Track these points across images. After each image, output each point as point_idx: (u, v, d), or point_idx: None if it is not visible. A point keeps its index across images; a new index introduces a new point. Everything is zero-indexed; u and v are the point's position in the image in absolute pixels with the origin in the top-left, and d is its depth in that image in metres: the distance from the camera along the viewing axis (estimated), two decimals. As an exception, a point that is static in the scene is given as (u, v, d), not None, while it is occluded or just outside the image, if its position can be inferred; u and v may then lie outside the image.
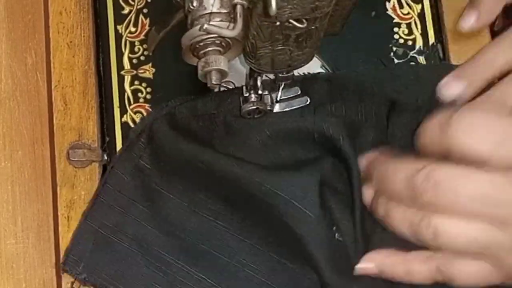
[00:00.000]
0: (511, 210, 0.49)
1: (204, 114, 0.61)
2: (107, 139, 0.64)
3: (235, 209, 0.59)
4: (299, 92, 0.62)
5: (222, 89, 0.63)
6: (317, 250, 0.56)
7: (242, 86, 0.61)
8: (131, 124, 0.64)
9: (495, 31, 0.75)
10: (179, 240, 0.59)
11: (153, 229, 0.59)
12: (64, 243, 0.61)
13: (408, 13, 0.66)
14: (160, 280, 0.59)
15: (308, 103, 0.62)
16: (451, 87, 0.57)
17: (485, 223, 0.50)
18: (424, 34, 0.66)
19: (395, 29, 0.66)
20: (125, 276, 0.59)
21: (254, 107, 0.60)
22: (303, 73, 0.62)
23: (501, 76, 0.55)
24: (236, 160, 0.58)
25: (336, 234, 0.57)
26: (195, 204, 0.59)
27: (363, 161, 0.58)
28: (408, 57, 0.65)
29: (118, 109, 0.65)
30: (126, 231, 0.59)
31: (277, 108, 0.62)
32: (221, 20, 0.54)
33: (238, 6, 0.52)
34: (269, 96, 0.62)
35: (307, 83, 0.62)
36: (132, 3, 0.66)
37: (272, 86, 0.61)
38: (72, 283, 0.60)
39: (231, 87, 0.63)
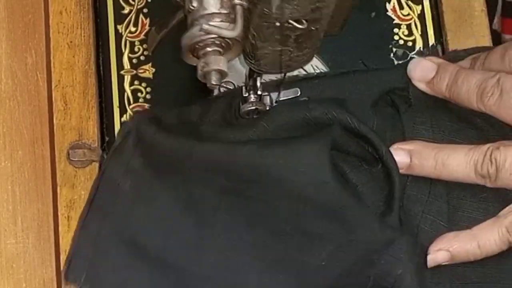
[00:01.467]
0: None
1: (189, 122, 0.60)
2: (107, 139, 0.64)
3: (235, 200, 0.57)
4: (299, 93, 0.62)
5: (222, 89, 0.63)
6: (354, 212, 0.54)
7: (225, 94, 0.60)
8: (131, 124, 0.64)
9: (494, 30, 0.75)
10: (179, 238, 0.57)
11: (152, 232, 0.58)
12: (64, 243, 0.61)
13: (408, 14, 0.66)
14: (164, 284, 0.57)
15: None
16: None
17: None
18: (424, 35, 0.66)
19: (395, 30, 0.66)
20: (128, 285, 0.57)
21: (253, 108, 0.60)
22: (304, 71, 0.63)
23: None
24: (243, 142, 0.56)
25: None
26: (193, 199, 0.57)
27: (428, 61, 0.60)
28: (408, 58, 0.65)
29: (118, 109, 0.65)
30: (124, 237, 0.58)
31: (277, 108, 0.62)
32: (221, 21, 0.54)
33: (238, 7, 0.52)
34: (268, 97, 0.62)
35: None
36: (132, 3, 0.66)
37: (272, 87, 0.62)
38: None
39: (231, 87, 0.63)
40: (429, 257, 0.56)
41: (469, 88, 0.57)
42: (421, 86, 0.60)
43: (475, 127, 0.59)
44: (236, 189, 0.56)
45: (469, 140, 0.58)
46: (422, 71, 0.60)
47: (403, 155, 0.57)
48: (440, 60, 0.60)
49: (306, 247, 0.56)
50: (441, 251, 0.56)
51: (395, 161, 0.57)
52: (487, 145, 0.56)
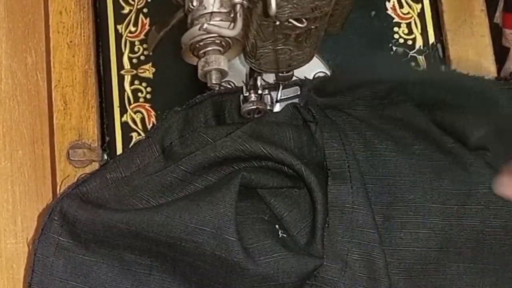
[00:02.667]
0: None
1: (117, 180, 0.60)
2: (107, 138, 0.64)
3: (164, 260, 0.59)
4: (299, 92, 0.62)
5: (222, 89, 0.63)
6: (268, 262, 0.56)
7: (150, 142, 0.61)
8: (131, 124, 0.64)
9: (495, 24, 0.75)
10: None
11: None
12: (64, 242, 0.61)
13: (408, 13, 0.66)
14: None
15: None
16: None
17: None
18: (424, 33, 0.66)
19: (395, 29, 0.66)
20: None
21: (254, 107, 0.60)
22: (304, 77, 0.63)
23: None
24: (155, 209, 0.58)
25: (280, 232, 0.58)
26: (126, 263, 0.59)
27: None
28: (408, 56, 0.65)
29: (118, 109, 0.65)
30: None
31: (277, 107, 0.62)
32: (221, 20, 0.54)
33: (238, 6, 0.52)
34: (269, 96, 0.62)
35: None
36: (132, 2, 0.66)
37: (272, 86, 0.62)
38: None
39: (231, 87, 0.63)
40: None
41: None
42: None
43: (389, 134, 0.60)
44: (161, 251, 0.58)
45: (388, 146, 0.59)
46: None
47: None
48: None
49: None
50: None
51: (320, 189, 0.57)
52: None
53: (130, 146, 0.63)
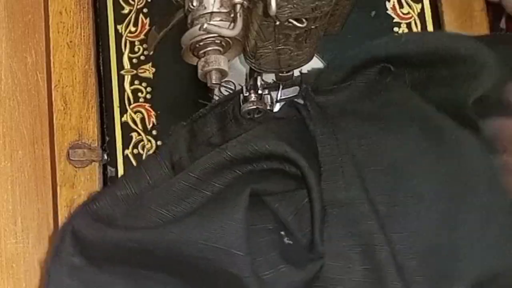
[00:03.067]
0: None
1: (127, 197, 0.60)
2: (107, 138, 0.64)
3: (177, 275, 0.58)
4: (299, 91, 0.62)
5: (222, 89, 0.64)
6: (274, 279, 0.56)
7: (161, 162, 0.60)
8: (131, 124, 0.64)
9: (501, 29, 0.75)
10: None
11: None
12: (64, 243, 0.61)
13: (408, 13, 0.66)
14: None
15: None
16: None
17: None
18: (424, 33, 0.66)
19: (395, 29, 0.66)
20: None
21: (254, 107, 0.60)
22: (300, 72, 0.63)
23: None
24: (165, 227, 0.57)
25: (286, 239, 0.58)
26: (141, 280, 0.58)
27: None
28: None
29: (118, 109, 0.65)
30: None
31: (277, 107, 0.62)
32: (221, 20, 0.54)
33: (238, 6, 0.52)
34: (269, 96, 0.62)
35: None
36: (132, 2, 0.66)
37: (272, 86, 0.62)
38: None
39: (231, 87, 0.63)
40: None
41: None
42: None
43: (386, 122, 0.59)
44: (174, 268, 0.58)
45: (387, 136, 0.59)
46: None
47: None
48: None
49: None
50: None
51: (318, 188, 0.57)
52: None
53: (130, 144, 0.63)
